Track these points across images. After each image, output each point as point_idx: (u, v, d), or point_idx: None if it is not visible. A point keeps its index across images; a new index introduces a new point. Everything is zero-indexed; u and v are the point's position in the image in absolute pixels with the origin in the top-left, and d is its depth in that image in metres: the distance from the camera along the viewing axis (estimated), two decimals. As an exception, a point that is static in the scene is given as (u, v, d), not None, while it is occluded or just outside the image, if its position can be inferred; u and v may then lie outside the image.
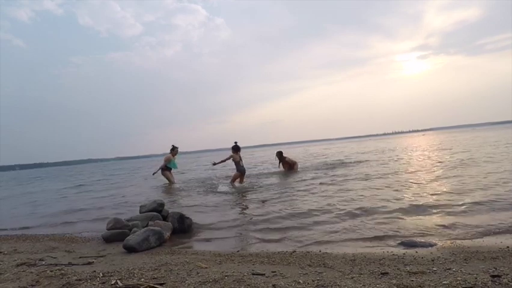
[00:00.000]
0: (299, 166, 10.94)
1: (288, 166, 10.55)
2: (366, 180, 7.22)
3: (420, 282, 1.81)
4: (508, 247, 2.54)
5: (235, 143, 7.88)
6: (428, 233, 3.20)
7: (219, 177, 9.03)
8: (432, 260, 2.34)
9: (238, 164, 7.76)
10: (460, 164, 8.64)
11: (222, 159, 8.11)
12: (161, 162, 9.50)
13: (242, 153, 8.04)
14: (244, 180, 8.13)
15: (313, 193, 6.02)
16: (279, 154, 10.55)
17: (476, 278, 1.80)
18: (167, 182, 9.40)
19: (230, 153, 7.95)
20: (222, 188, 7.66)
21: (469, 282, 1.75)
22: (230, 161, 8.05)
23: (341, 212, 4.36)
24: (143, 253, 3.16)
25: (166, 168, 9.32)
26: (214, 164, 8.29)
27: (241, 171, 7.83)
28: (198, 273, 2.20)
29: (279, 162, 10.60)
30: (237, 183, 7.97)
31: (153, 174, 9.59)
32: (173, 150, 9.29)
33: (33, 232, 4.76)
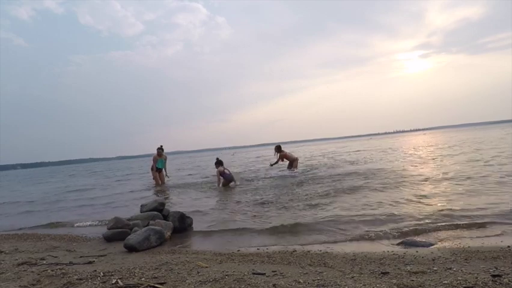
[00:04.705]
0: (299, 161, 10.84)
1: (289, 161, 10.41)
2: (366, 180, 7.21)
3: (421, 282, 1.81)
4: (508, 247, 2.53)
5: (217, 158, 8.32)
6: (429, 232, 3.20)
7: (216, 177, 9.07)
8: (433, 260, 2.33)
9: (223, 173, 8.07)
10: (464, 165, 8.62)
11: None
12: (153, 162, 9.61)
13: (242, 153, 8.11)
14: (233, 183, 8.19)
15: (312, 192, 6.01)
16: (278, 148, 10.42)
17: (476, 278, 1.80)
18: (160, 181, 9.51)
19: (216, 169, 8.19)
20: (221, 188, 7.69)
21: (469, 282, 1.75)
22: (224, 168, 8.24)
23: (340, 211, 4.36)
24: (144, 252, 3.16)
25: (156, 169, 9.45)
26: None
27: (228, 180, 8.08)
28: (198, 272, 2.21)
29: (278, 158, 10.45)
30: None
31: (153, 178, 9.75)
32: (159, 149, 9.44)
33: (34, 231, 4.77)
